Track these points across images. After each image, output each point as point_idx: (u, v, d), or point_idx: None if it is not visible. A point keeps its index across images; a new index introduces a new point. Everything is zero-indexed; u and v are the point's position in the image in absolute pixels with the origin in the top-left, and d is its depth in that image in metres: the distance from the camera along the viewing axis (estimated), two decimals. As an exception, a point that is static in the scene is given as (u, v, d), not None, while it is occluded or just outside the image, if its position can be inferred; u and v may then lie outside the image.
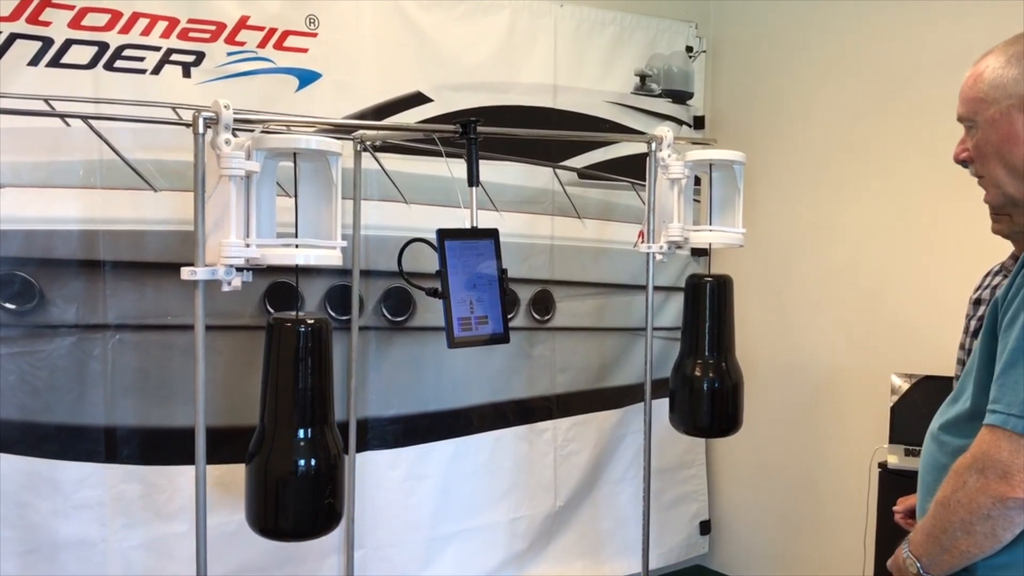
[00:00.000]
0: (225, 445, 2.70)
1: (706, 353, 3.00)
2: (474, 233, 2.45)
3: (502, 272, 2.45)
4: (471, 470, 3.24)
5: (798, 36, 3.57)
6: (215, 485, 2.66)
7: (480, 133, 2.44)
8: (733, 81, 3.82)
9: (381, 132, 2.83)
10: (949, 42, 3.02)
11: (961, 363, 2.31)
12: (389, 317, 3.05)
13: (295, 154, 2.27)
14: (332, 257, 2.27)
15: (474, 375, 3.24)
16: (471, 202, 2.46)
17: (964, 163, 1.58)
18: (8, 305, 2.46)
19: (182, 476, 2.68)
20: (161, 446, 2.67)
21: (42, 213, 2.48)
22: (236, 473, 2.76)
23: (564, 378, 3.47)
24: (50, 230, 2.50)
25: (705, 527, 3.89)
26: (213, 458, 2.59)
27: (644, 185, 3.49)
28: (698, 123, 3.77)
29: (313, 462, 2.30)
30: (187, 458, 2.64)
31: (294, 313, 2.34)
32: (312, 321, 2.32)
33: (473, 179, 2.45)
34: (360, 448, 2.97)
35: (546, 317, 3.42)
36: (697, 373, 3.00)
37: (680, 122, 3.71)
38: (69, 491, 2.55)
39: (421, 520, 3.12)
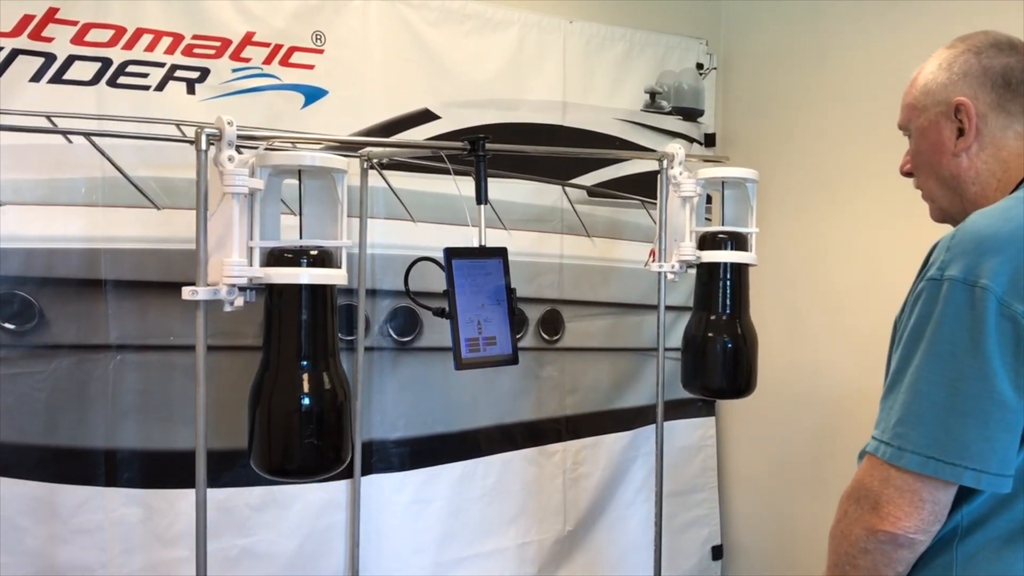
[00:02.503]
0: (228, 469, 2.65)
1: (719, 310, 2.87)
2: (482, 252, 2.40)
3: (511, 291, 2.40)
4: (479, 494, 3.17)
5: (810, 53, 3.52)
6: (217, 509, 2.60)
7: (489, 150, 2.40)
8: (744, 98, 3.77)
9: (388, 149, 2.78)
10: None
11: None
12: (395, 337, 2.99)
13: (300, 172, 2.22)
14: (338, 277, 2.22)
15: (482, 397, 3.18)
16: (479, 220, 2.41)
17: (909, 175, 1.51)
18: (7, 325, 2.42)
19: (183, 500, 2.62)
20: (162, 469, 2.61)
21: (43, 231, 2.44)
22: (239, 497, 2.72)
23: (574, 399, 3.41)
24: (51, 248, 2.46)
25: (717, 552, 3.81)
26: (215, 482, 2.56)
27: (655, 203, 3.45)
28: (709, 141, 3.72)
29: (320, 396, 2.19)
30: (189, 481, 2.56)
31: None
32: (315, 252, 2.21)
33: (481, 197, 2.40)
34: (365, 471, 2.91)
35: (555, 337, 3.36)
36: (710, 332, 2.87)
37: (690, 139, 3.66)
38: (68, 515, 2.49)
39: (428, 545, 3.05)
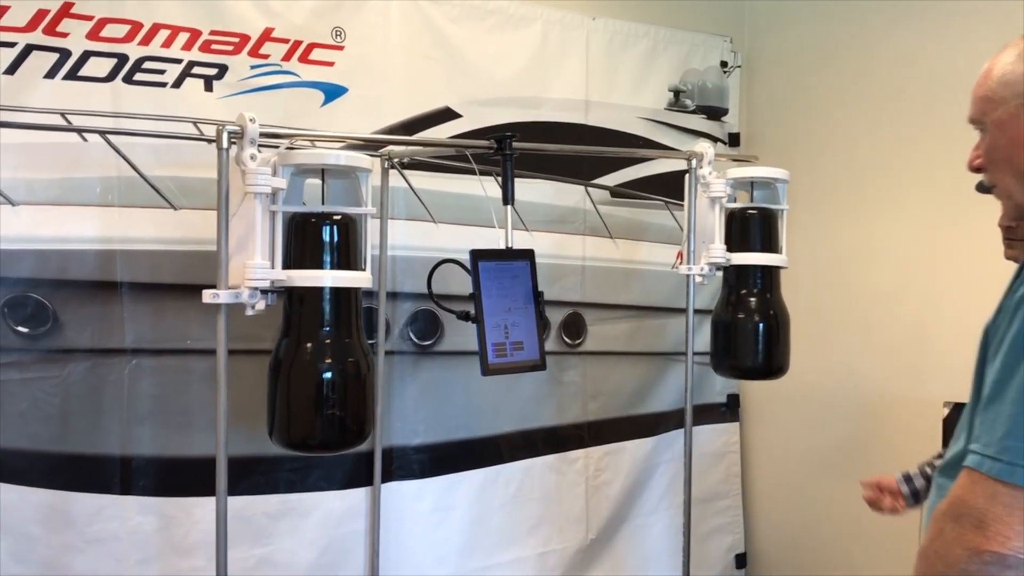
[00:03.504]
0: (245, 476, 2.59)
1: (750, 286, 2.79)
2: (509, 254, 2.33)
3: (538, 295, 2.32)
4: (500, 502, 3.09)
5: (837, 50, 3.44)
6: (234, 518, 2.50)
7: (516, 149, 2.33)
8: (769, 97, 3.69)
9: (411, 148, 2.71)
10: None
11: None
12: (416, 341, 2.92)
13: (323, 171, 2.15)
14: (362, 279, 2.15)
15: (503, 402, 3.10)
16: (506, 221, 2.34)
17: (978, 170, 1.43)
18: (20, 328, 2.35)
19: (200, 508, 2.55)
20: (179, 477, 2.55)
21: (57, 232, 2.38)
22: (256, 506, 2.65)
23: (596, 405, 3.33)
24: (65, 250, 2.39)
25: (741, 560, 3.74)
26: (232, 489, 2.46)
27: (679, 204, 3.37)
28: (733, 140, 3.64)
29: (343, 366, 2.14)
30: (205, 489, 2.52)
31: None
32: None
33: (508, 197, 2.33)
34: (385, 478, 2.84)
35: (577, 341, 3.29)
36: (740, 311, 2.80)
37: (714, 139, 3.58)
38: (82, 524, 2.42)
39: (448, 555, 2.98)
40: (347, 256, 2.14)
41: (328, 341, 2.13)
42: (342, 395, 2.15)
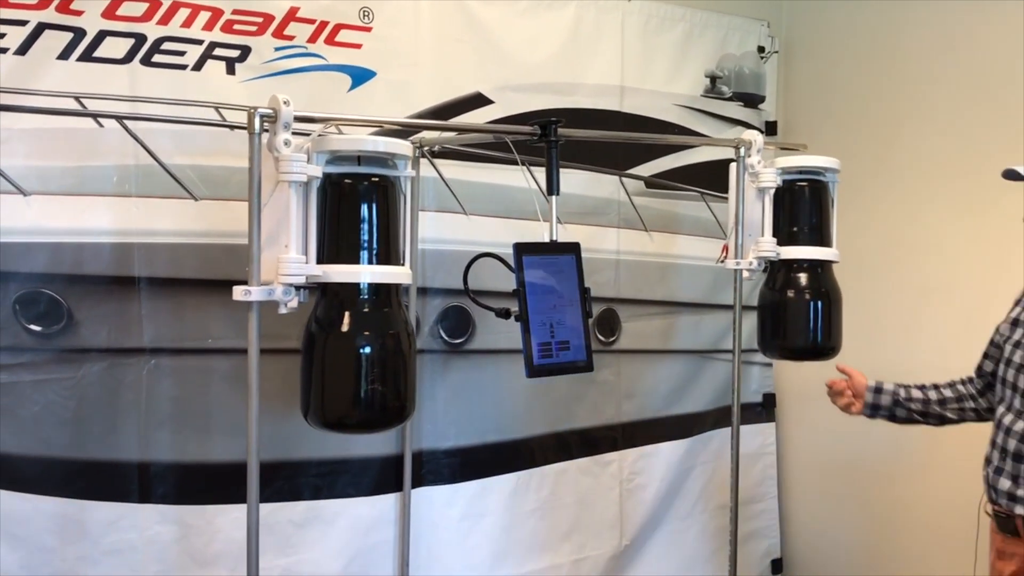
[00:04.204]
0: (269, 483, 2.45)
1: (801, 264, 2.65)
2: (554, 248, 2.18)
3: (585, 291, 2.18)
4: (533, 507, 2.95)
5: (877, 35, 3.30)
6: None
7: (561, 135, 2.18)
8: (807, 84, 3.55)
9: (442, 135, 2.56)
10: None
11: (980, 392, 2.13)
12: (446, 339, 2.78)
13: (359, 158, 2.00)
14: (402, 275, 2.01)
15: (535, 403, 2.96)
16: (551, 213, 2.19)
17: None
18: (33, 327, 2.20)
19: (222, 516, 2.42)
20: (200, 484, 2.41)
21: (71, 224, 2.22)
22: (281, 513, 2.52)
23: (630, 405, 3.19)
24: (80, 243, 2.24)
25: (777, 566, 3.60)
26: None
27: (715, 195, 3.24)
28: (770, 128, 3.50)
29: (383, 338, 2.00)
30: (227, 497, 2.40)
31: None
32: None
33: (554, 187, 2.19)
34: (415, 483, 2.69)
35: (611, 339, 3.15)
36: (791, 289, 2.65)
37: (750, 127, 3.43)
38: (99, 534, 2.28)
39: (480, 563, 2.84)
40: (386, 232, 2.00)
41: (367, 311, 1.99)
42: (382, 369, 2.01)
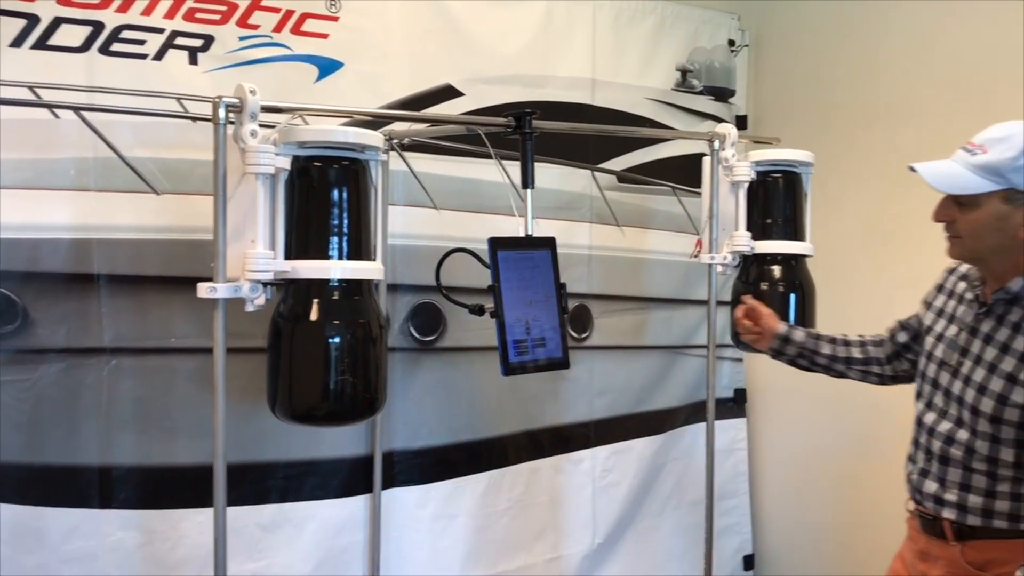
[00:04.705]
0: (236, 485, 2.37)
1: (773, 256, 2.66)
2: (529, 242, 2.14)
3: (561, 287, 2.14)
4: (505, 506, 2.91)
5: (848, 29, 3.29)
6: (225, 531, 2.32)
7: (536, 128, 2.13)
8: (777, 78, 3.53)
9: (412, 127, 2.50)
10: (1021, 37, 2.76)
11: (887, 358, 2.09)
12: (417, 337, 2.72)
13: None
14: (373, 271, 1.95)
15: (507, 401, 2.92)
16: (526, 207, 2.15)
17: None
18: (-14, 327, 2.11)
19: (187, 521, 2.34)
20: (163, 487, 2.33)
21: (27, 219, 2.13)
22: (248, 517, 2.45)
23: (603, 402, 3.16)
24: (36, 239, 2.15)
25: (748, 562, 3.59)
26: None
27: (686, 190, 3.22)
28: (740, 123, 3.47)
29: (352, 327, 1.96)
30: (193, 500, 2.33)
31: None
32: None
33: (529, 180, 2.14)
34: (386, 484, 2.63)
35: (584, 335, 3.11)
36: (764, 280, 2.65)
37: (721, 121, 3.39)
38: (58, 542, 2.19)
39: (452, 564, 2.79)
40: (357, 225, 1.95)
41: (336, 298, 1.94)
42: (352, 359, 1.96)
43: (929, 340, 1.93)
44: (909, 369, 2.10)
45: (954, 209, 1.72)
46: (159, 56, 2.28)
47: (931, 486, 1.80)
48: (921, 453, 1.86)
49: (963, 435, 1.74)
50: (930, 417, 1.84)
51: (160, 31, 2.27)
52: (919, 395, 1.93)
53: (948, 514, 1.76)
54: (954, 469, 1.75)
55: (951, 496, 1.75)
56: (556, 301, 2.13)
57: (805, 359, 2.22)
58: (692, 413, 3.36)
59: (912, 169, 1.82)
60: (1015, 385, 1.65)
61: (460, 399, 2.81)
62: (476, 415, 2.85)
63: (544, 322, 2.11)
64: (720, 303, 2.75)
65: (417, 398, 2.72)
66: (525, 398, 2.96)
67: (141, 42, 2.25)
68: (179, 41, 2.30)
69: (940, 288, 1.99)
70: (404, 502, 2.69)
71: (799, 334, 2.22)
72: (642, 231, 3.24)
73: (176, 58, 2.30)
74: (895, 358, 2.14)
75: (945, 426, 1.78)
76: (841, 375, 2.22)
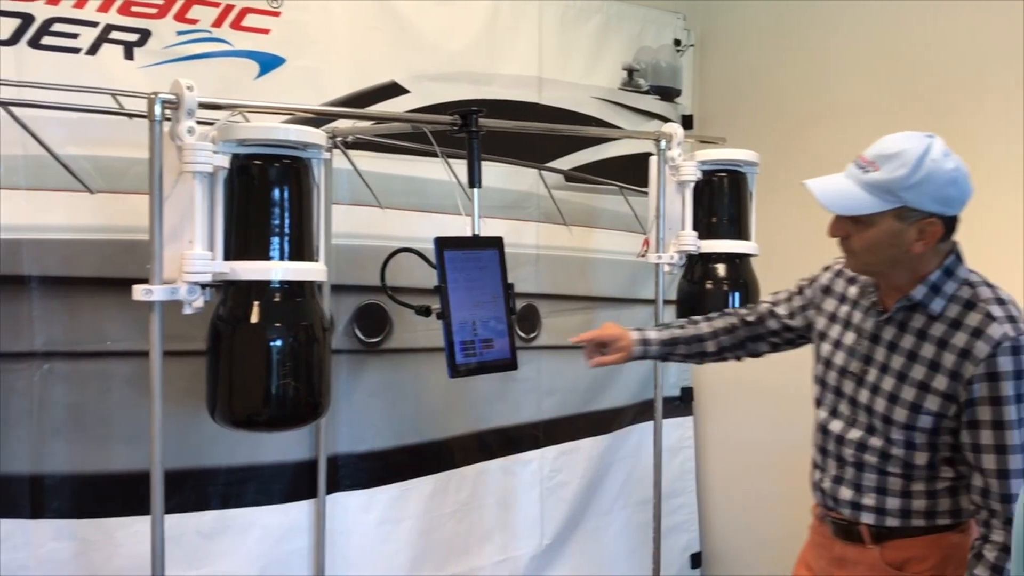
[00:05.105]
0: (175, 492, 2.31)
1: (719, 255, 2.68)
2: (476, 242, 2.12)
3: (508, 287, 2.12)
4: (452, 509, 2.87)
5: (793, 29, 3.31)
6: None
7: (483, 126, 2.11)
8: (722, 77, 3.55)
9: (357, 125, 2.46)
10: (965, 38, 2.80)
11: (741, 343, 2.07)
12: (362, 338, 2.67)
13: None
14: (316, 272, 1.91)
15: (455, 402, 2.88)
16: (472, 206, 2.13)
17: None
18: (-91, 331, 2.02)
19: (123, 530, 2.27)
20: (98, 496, 2.25)
21: (-48, 219, 2.05)
22: (188, 524, 2.38)
23: (551, 402, 3.14)
24: (-38, 239, 2.07)
25: (696, 560, 3.60)
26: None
27: (633, 189, 3.22)
28: (686, 122, 3.48)
29: (294, 329, 1.92)
30: (130, 508, 2.26)
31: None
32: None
33: (475, 178, 2.12)
34: (330, 489, 2.59)
35: (532, 335, 3.09)
36: (709, 281, 2.67)
37: (667, 121, 3.40)
38: (-14, 555, 2.12)
39: (398, 568, 2.74)
40: (299, 225, 1.90)
41: (277, 300, 1.89)
42: (294, 362, 1.92)
43: (825, 347, 1.89)
44: (768, 350, 2.12)
45: (848, 225, 1.69)
46: (93, 50, 2.20)
47: (847, 492, 1.78)
48: (832, 461, 1.83)
49: (876, 442, 1.72)
50: (837, 425, 1.81)
51: (94, 24, 2.20)
52: (820, 403, 1.89)
53: (867, 519, 1.75)
54: (869, 474, 1.74)
55: (869, 500, 1.75)
56: (504, 301, 2.11)
57: (670, 357, 2.16)
58: (639, 412, 3.36)
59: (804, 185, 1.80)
60: (927, 393, 1.63)
61: (406, 401, 2.77)
62: (423, 417, 2.81)
63: (491, 323, 2.09)
64: (667, 302, 2.76)
65: (362, 401, 2.68)
66: (472, 400, 2.93)
67: (74, 35, 2.18)
68: (114, 35, 2.23)
69: (828, 291, 1.95)
70: (349, 507, 2.64)
71: (652, 331, 2.13)
72: (590, 230, 3.23)
73: (111, 53, 2.23)
74: (751, 341, 2.10)
75: (856, 434, 1.76)
76: (699, 363, 2.20)
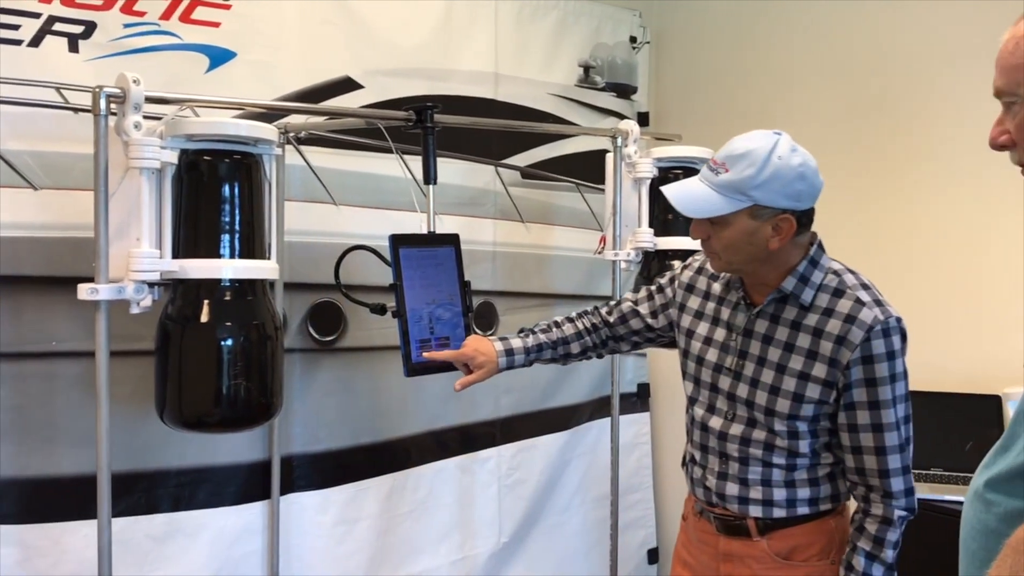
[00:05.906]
0: (124, 494, 2.26)
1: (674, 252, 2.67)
2: (432, 239, 2.10)
3: (465, 284, 2.10)
4: (409, 508, 2.84)
5: (749, 26, 3.33)
6: (113, 543, 2.18)
7: (437, 122, 2.08)
8: (678, 75, 3.56)
9: (310, 120, 2.42)
10: (919, 38, 2.83)
11: (603, 342, 2.05)
12: (316, 337, 2.64)
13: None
14: (268, 270, 1.88)
15: (411, 401, 2.85)
16: (428, 203, 2.10)
17: (1003, 148, 1.27)
18: None
19: (69, 535, 2.22)
20: (45, 500, 2.20)
21: None
22: (138, 527, 2.33)
23: (509, 400, 3.12)
24: (-101, 237, 2.00)
25: (653, 555, 3.61)
26: (112, 510, 2.15)
27: (590, 186, 3.21)
28: (642, 119, 3.48)
29: (246, 328, 1.89)
30: (77, 513, 2.21)
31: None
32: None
33: (431, 175, 2.10)
34: (284, 490, 2.55)
35: (489, 332, 3.07)
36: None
37: (623, 118, 3.41)
38: (-74, 563, 2.05)
39: (355, 569, 2.71)
40: (249, 222, 1.87)
41: (228, 299, 1.86)
42: (246, 362, 1.89)
43: (695, 344, 1.87)
44: (629, 349, 2.12)
45: (707, 227, 1.69)
46: (35, 42, 2.14)
47: (733, 488, 1.78)
48: (713, 457, 1.82)
49: (759, 434, 1.72)
50: (716, 421, 1.80)
51: (36, 16, 2.14)
52: (695, 400, 1.88)
53: (754, 512, 1.75)
54: (754, 467, 1.74)
55: (755, 494, 1.75)
56: (460, 299, 2.09)
57: (537, 363, 2.14)
58: (597, 409, 3.36)
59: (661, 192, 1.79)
60: (807, 381, 1.66)
61: (361, 400, 2.74)
62: (378, 416, 2.78)
63: (448, 321, 2.07)
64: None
65: (317, 400, 2.64)
66: (429, 398, 2.90)
67: (15, 27, 2.12)
68: (58, 27, 2.17)
69: (691, 288, 1.91)
70: (304, 507, 2.60)
71: (516, 339, 2.04)
72: (546, 227, 3.22)
73: (55, 45, 2.17)
74: (612, 340, 2.07)
75: (737, 428, 1.76)
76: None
